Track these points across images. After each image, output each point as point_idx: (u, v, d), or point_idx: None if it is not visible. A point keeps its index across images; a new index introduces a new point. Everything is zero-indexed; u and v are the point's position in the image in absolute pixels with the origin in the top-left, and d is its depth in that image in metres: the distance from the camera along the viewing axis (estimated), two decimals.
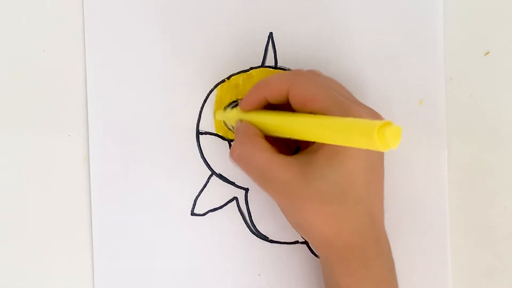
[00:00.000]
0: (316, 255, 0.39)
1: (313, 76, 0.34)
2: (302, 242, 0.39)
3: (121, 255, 0.39)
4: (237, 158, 0.33)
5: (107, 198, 0.39)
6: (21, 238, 0.40)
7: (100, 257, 0.39)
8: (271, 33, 0.39)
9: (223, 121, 0.39)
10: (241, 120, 0.35)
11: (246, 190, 0.40)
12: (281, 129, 0.33)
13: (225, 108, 0.39)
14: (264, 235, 0.39)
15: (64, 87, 0.40)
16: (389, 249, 0.34)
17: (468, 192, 0.39)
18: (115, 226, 0.39)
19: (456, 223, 0.39)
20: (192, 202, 0.39)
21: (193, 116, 0.40)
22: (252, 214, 0.39)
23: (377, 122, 0.25)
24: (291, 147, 0.36)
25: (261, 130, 0.34)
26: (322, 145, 0.32)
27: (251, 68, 0.39)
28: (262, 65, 0.39)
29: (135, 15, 0.40)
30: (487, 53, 0.40)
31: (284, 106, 0.34)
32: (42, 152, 0.40)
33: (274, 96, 0.34)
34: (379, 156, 0.34)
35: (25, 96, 0.40)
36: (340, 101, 0.32)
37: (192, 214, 0.40)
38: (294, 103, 0.33)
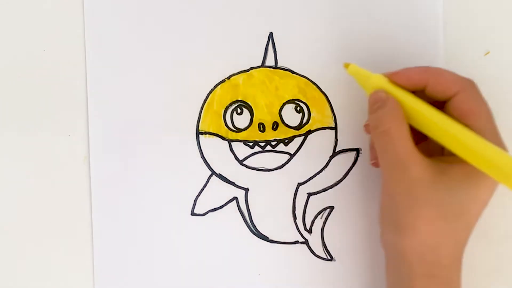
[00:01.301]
0: (316, 255, 0.39)
1: (479, 90, 0.33)
2: (302, 242, 0.39)
3: (121, 255, 0.40)
4: (382, 135, 0.32)
5: (107, 198, 0.39)
6: (21, 238, 0.40)
7: (101, 257, 0.39)
8: (271, 33, 0.39)
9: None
10: (385, 92, 0.33)
11: (246, 190, 0.40)
12: (430, 127, 0.32)
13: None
14: (264, 235, 0.39)
15: (64, 87, 0.40)
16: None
17: None
18: (115, 226, 0.39)
19: None
20: (192, 202, 0.39)
21: (193, 116, 0.40)
22: (252, 214, 0.39)
23: None
24: (419, 136, 0.34)
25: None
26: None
27: (251, 68, 0.39)
28: (262, 65, 0.39)
29: (135, 15, 0.40)
30: (487, 53, 0.40)
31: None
32: (42, 152, 0.40)
33: (439, 90, 0.32)
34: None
35: (25, 96, 0.40)
36: (497, 134, 0.32)
37: (192, 214, 0.40)
38: (455, 109, 0.32)
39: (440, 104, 0.33)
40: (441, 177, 0.31)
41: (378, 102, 0.33)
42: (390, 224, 0.33)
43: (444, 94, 0.33)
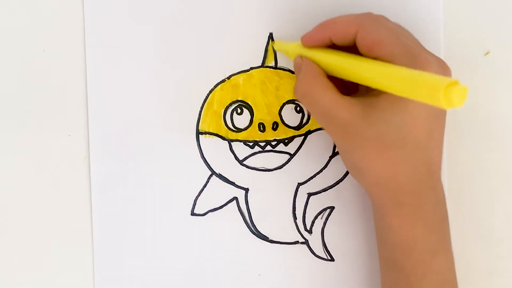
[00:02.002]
0: (316, 256, 0.39)
1: (382, 19, 0.34)
2: (302, 242, 0.39)
3: (121, 255, 0.39)
4: (301, 96, 0.34)
5: (107, 198, 0.39)
6: (21, 238, 0.40)
7: (101, 257, 0.39)
8: (271, 33, 0.39)
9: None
10: (301, 57, 0.35)
11: (246, 190, 0.40)
12: (344, 71, 0.33)
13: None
14: (264, 235, 0.39)
15: (64, 87, 0.40)
16: (444, 200, 0.34)
17: (468, 192, 0.39)
18: (115, 226, 0.39)
19: (456, 223, 0.39)
20: (192, 202, 0.39)
21: (193, 116, 0.40)
22: (252, 214, 0.39)
23: (444, 80, 0.25)
24: (349, 88, 0.36)
25: (322, 69, 0.34)
26: None
27: (251, 68, 0.39)
28: (262, 65, 0.39)
29: (135, 15, 0.40)
30: (487, 53, 0.40)
31: (346, 49, 0.34)
32: (42, 152, 0.40)
33: (340, 36, 0.33)
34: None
35: (25, 96, 0.40)
36: (409, 48, 0.31)
37: (192, 214, 0.40)
38: (361, 46, 0.33)
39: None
40: (371, 111, 0.32)
41: (296, 69, 0.36)
42: (351, 169, 0.35)
43: (348, 39, 0.33)
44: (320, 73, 0.34)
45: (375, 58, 0.32)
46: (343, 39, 0.33)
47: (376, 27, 0.32)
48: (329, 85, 0.33)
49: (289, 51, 0.37)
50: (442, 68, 0.32)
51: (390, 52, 0.31)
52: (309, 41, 0.35)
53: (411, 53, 0.31)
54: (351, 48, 0.34)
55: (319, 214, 0.39)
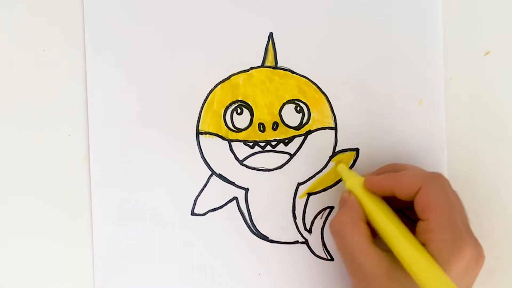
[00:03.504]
0: (316, 255, 0.39)
1: (445, 184, 0.34)
2: (302, 242, 0.39)
3: (121, 255, 0.40)
4: (334, 232, 0.34)
5: (107, 198, 0.39)
6: (21, 238, 0.40)
7: (101, 257, 0.39)
8: (271, 33, 0.39)
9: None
10: (349, 193, 0.35)
11: (246, 190, 0.40)
12: (382, 233, 0.33)
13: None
14: (264, 235, 0.39)
15: (64, 87, 0.40)
16: None
17: (468, 192, 0.39)
18: (115, 226, 0.39)
19: None
20: (192, 202, 0.39)
21: (193, 116, 0.40)
22: (252, 214, 0.39)
23: None
24: None
25: (365, 213, 0.34)
26: None
27: (251, 68, 0.39)
28: (262, 65, 0.39)
29: (135, 15, 0.40)
30: (487, 53, 0.40)
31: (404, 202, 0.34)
32: (42, 152, 0.40)
33: (403, 192, 0.34)
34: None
35: (25, 96, 0.40)
36: (455, 227, 0.32)
37: (192, 214, 0.40)
38: (417, 203, 0.33)
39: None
40: (395, 272, 0.32)
41: (341, 202, 0.36)
42: None
43: (409, 194, 0.33)
44: (360, 217, 0.34)
45: (425, 220, 0.32)
46: (404, 194, 0.34)
47: (436, 192, 0.33)
48: (363, 231, 0.33)
49: (346, 180, 0.36)
50: (478, 253, 0.32)
51: (438, 222, 0.32)
52: (372, 186, 0.35)
53: (455, 231, 0.32)
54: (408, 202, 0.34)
55: (319, 214, 0.39)
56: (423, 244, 0.32)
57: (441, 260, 0.31)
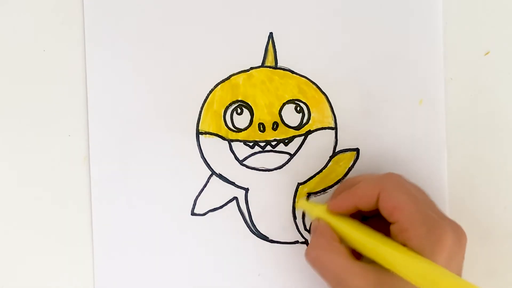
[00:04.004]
0: None
1: (402, 181, 0.34)
2: (302, 242, 0.39)
3: (121, 255, 0.40)
4: (312, 261, 0.34)
5: (107, 198, 0.39)
6: (21, 238, 0.40)
7: (101, 257, 0.39)
8: (271, 33, 0.39)
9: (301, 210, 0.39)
10: (318, 219, 0.35)
11: (246, 190, 0.40)
12: (360, 247, 0.33)
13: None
14: (264, 235, 0.39)
15: (64, 87, 0.40)
16: None
17: (468, 192, 0.39)
18: (115, 226, 0.39)
19: None
20: (192, 202, 0.39)
21: (193, 116, 0.40)
22: (252, 214, 0.39)
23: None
24: None
25: (338, 234, 0.34)
26: None
27: (251, 68, 0.39)
28: (262, 65, 0.39)
29: (135, 15, 0.40)
30: (487, 53, 0.40)
31: (371, 212, 0.34)
32: (42, 152, 0.40)
33: (364, 201, 0.34)
34: None
35: (25, 96, 0.40)
36: (426, 216, 0.32)
37: (192, 214, 0.40)
38: (382, 209, 0.33)
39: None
40: (384, 279, 0.32)
41: (312, 230, 0.36)
42: None
43: (371, 204, 0.34)
44: (334, 238, 0.34)
45: (395, 222, 0.32)
46: (367, 205, 0.34)
47: (396, 192, 0.33)
48: (341, 250, 0.33)
49: (311, 211, 0.37)
50: (458, 234, 0.32)
51: (409, 220, 0.32)
52: (334, 209, 0.35)
53: (428, 222, 0.31)
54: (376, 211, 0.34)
55: None
56: (404, 245, 0.32)
57: (426, 254, 0.31)
